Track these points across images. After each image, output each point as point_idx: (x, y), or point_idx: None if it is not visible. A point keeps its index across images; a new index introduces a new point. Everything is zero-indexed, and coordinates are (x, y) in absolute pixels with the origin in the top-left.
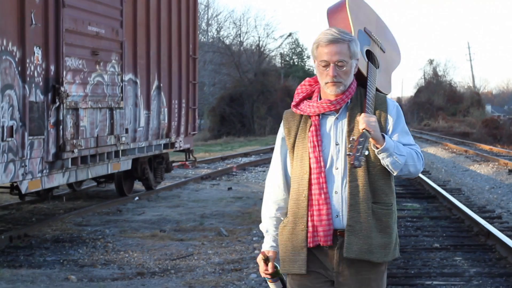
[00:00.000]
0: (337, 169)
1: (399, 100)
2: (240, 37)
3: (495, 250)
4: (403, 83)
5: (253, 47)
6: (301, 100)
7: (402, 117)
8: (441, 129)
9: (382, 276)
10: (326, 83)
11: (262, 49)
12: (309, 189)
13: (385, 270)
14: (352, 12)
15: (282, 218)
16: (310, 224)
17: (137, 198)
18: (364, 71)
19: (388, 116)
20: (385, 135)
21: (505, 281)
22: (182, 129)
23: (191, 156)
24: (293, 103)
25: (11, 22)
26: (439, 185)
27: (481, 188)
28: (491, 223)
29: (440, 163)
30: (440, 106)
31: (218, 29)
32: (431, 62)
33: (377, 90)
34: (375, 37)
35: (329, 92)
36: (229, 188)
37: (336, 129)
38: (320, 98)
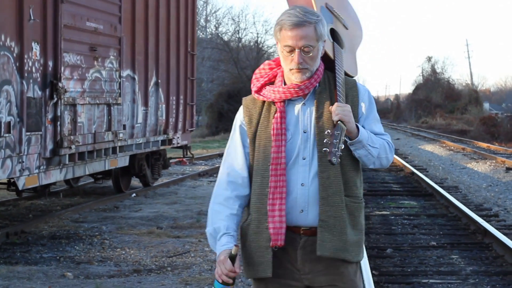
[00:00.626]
0: (304, 159)
1: (397, 97)
2: (238, 33)
3: (491, 248)
4: (401, 80)
5: (252, 44)
6: (263, 86)
7: (374, 103)
8: (439, 127)
9: (356, 272)
10: (291, 69)
11: (260, 46)
12: None
13: (357, 269)
14: None
15: (241, 219)
16: (269, 219)
17: (134, 194)
18: (330, 54)
19: (360, 102)
20: (358, 125)
21: (502, 280)
22: (180, 125)
23: (188, 153)
24: (254, 89)
25: (9, 17)
26: (436, 183)
27: (478, 186)
28: (488, 221)
29: (437, 161)
30: (438, 103)
31: (217, 26)
32: (429, 59)
33: (345, 73)
34: (337, 13)
35: (294, 79)
36: None
37: (303, 116)
38: (285, 84)
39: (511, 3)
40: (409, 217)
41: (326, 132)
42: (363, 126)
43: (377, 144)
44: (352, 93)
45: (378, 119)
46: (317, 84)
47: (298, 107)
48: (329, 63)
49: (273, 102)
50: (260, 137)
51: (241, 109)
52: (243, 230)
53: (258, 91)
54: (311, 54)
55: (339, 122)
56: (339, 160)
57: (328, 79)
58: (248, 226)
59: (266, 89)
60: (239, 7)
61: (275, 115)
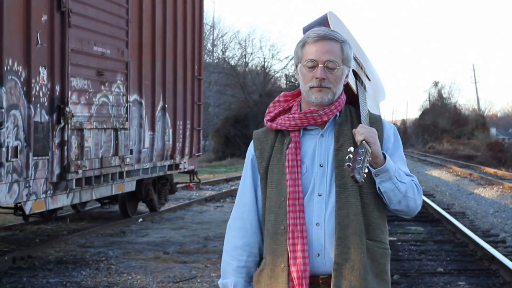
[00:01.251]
0: (320, 195)
1: (403, 122)
2: (245, 58)
3: (498, 274)
4: (408, 105)
5: (258, 68)
6: (277, 115)
7: (400, 141)
8: (446, 152)
9: None
10: (312, 87)
11: (267, 70)
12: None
13: None
14: (334, 28)
15: (254, 269)
16: (291, 262)
17: (141, 219)
18: (354, 88)
19: (385, 135)
20: (385, 154)
21: None
22: (187, 150)
23: (195, 178)
24: (267, 118)
25: (17, 42)
26: (443, 209)
27: (485, 211)
28: (495, 247)
29: (444, 186)
30: (445, 128)
31: (224, 50)
32: (436, 84)
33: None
34: (360, 61)
35: (313, 99)
36: None
37: (320, 148)
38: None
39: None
40: (416, 243)
41: (348, 150)
42: None
43: (406, 180)
44: (377, 127)
45: (404, 159)
46: (337, 114)
47: (315, 138)
48: (351, 98)
49: (288, 132)
50: (272, 171)
51: (251, 143)
52: (257, 277)
53: (272, 120)
54: (335, 72)
55: (363, 142)
56: (363, 180)
57: (350, 112)
58: (261, 272)
59: (281, 117)
60: (246, 31)
61: (290, 145)
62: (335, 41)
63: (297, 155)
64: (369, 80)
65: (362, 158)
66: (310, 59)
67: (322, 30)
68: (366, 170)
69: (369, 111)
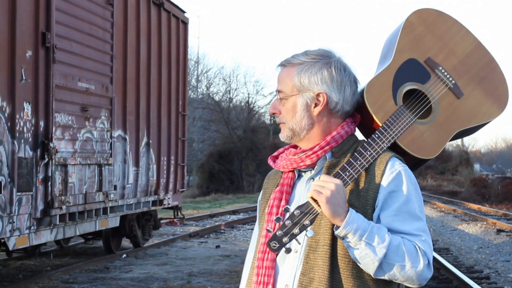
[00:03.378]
0: (296, 252)
1: None
2: (229, 93)
3: None
4: None
5: (243, 104)
6: (285, 150)
7: (404, 190)
8: (430, 188)
9: None
10: None
11: (251, 106)
12: None
13: None
14: (408, 33)
15: None
16: None
17: (124, 255)
18: (378, 118)
19: (381, 184)
20: (351, 210)
21: None
22: (171, 186)
23: (179, 213)
24: (273, 153)
25: (1, 77)
26: None
27: (469, 248)
28: (479, 284)
29: (428, 223)
30: (429, 164)
31: (208, 86)
32: None
33: (407, 154)
34: (446, 73)
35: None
36: (217, 246)
37: (305, 195)
38: None
39: (503, 65)
40: None
41: (284, 208)
42: (378, 221)
43: (385, 243)
44: (373, 172)
45: (410, 213)
46: (330, 153)
47: (304, 181)
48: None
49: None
50: (265, 216)
51: None
52: None
53: (275, 156)
54: (284, 104)
55: (310, 199)
56: (287, 248)
57: (353, 151)
58: None
59: (282, 155)
60: (230, 67)
61: (275, 188)
62: (290, 66)
63: (280, 199)
64: (458, 98)
65: (292, 222)
66: None
67: (290, 55)
68: (310, 234)
69: (405, 154)
